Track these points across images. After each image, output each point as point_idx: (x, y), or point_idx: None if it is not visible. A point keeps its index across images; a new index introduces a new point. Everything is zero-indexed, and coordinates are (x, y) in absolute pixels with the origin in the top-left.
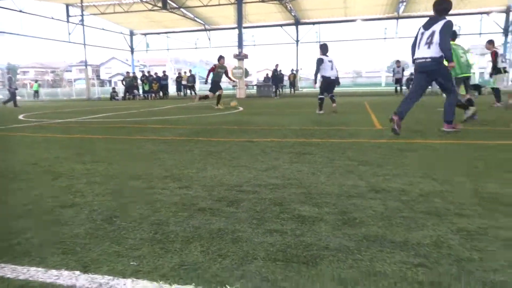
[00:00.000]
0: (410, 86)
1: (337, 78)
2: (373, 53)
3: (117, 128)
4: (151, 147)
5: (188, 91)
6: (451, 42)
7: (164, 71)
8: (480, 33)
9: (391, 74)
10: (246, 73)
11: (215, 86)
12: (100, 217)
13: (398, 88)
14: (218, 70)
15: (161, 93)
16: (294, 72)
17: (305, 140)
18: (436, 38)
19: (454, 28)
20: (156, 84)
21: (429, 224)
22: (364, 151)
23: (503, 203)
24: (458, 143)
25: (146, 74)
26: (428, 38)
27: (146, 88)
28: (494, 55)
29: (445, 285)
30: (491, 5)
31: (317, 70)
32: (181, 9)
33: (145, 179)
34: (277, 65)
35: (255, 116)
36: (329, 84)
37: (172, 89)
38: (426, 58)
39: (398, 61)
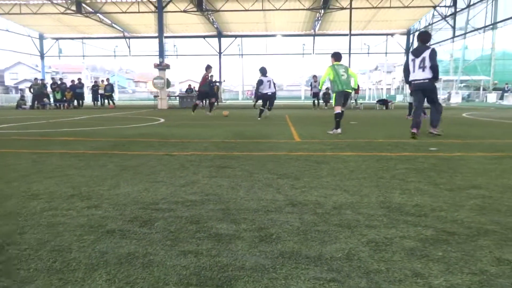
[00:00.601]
0: (326, 100)
1: (273, 94)
2: (293, 68)
3: (19, 141)
4: (58, 162)
5: (106, 101)
6: (335, 63)
7: (79, 79)
8: (386, 53)
9: (309, 88)
10: (168, 84)
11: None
12: None
13: (316, 101)
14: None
15: (75, 103)
16: (217, 83)
17: (226, 154)
18: (427, 62)
19: (364, 47)
20: (69, 93)
21: (341, 237)
22: (283, 164)
23: (408, 212)
24: (365, 154)
25: (58, 81)
26: (420, 63)
27: (58, 96)
28: None
29: None
30: (394, 27)
31: (257, 90)
32: (98, 14)
33: (46, 199)
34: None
35: (176, 128)
36: (267, 99)
37: (88, 98)
38: (424, 79)
39: (315, 76)
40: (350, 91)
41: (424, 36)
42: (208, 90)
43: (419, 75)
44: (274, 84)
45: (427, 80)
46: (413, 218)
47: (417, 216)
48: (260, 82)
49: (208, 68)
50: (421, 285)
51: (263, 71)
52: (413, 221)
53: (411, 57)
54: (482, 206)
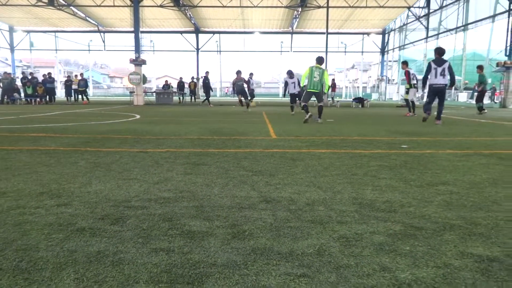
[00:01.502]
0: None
1: (299, 92)
2: (271, 65)
3: None
4: (27, 159)
5: (80, 96)
6: (316, 65)
7: (49, 73)
8: (362, 51)
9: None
10: (144, 80)
11: (242, 92)
12: None
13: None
14: (238, 84)
15: (47, 98)
16: (195, 80)
17: (202, 150)
18: (447, 71)
19: (341, 45)
20: (41, 88)
21: (313, 232)
22: (259, 160)
23: (378, 208)
24: (339, 152)
25: (28, 76)
26: (442, 72)
27: (30, 91)
28: (408, 74)
29: None
30: (370, 27)
31: (285, 90)
32: (71, 7)
33: (14, 197)
34: (207, 73)
35: (151, 124)
36: (295, 97)
37: (61, 93)
38: (443, 84)
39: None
40: (318, 91)
41: (441, 51)
42: (242, 88)
43: (440, 80)
44: (299, 84)
45: (444, 85)
46: (383, 214)
47: (387, 212)
48: (286, 84)
49: (238, 73)
50: (388, 279)
51: (290, 74)
52: (383, 216)
53: (433, 65)
54: (449, 202)
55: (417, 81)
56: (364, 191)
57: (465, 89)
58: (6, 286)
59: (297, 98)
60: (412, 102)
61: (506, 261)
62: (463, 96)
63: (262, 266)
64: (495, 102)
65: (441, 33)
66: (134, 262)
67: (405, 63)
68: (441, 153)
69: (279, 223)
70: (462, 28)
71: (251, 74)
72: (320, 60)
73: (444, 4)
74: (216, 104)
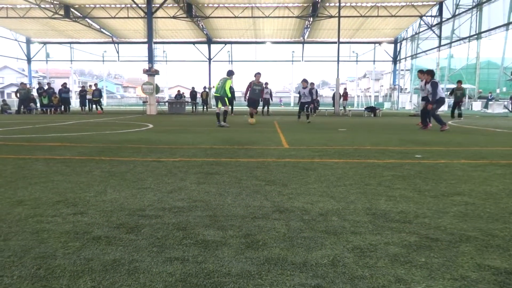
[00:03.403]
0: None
1: (309, 101)
2: (282, 74)
3: (4, 146)
4: (43, 168)
5: (94, 106)
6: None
7: (64, 83)
8: (374, 60)
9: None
10: (157, 89)
11: (254, 103)
12: None
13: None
14: (254, 88)
15: (62, 108)
16: (207, 90)
17: (214, 160)
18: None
19: (352, 54)
20: (56, 98)
21: (327, 243)
22: (271, 170)
23: (392, 219)
24: (352, 161)
25: (45, 86)
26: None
27: (45, 101)
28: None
29: None
30: (382, 36)
31: (299, 99)
32: (86, 19)
33: (31, 205)
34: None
35: (164, 134)
36: (302, 104)
37: (76, 103)
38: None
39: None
40: (218, 95)
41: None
42: (256, 98)
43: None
44: (310, 93)
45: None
46: (397, 225)
47: (402, 223)
48: (299, 93)
49: (256, 74)
50: None
51: (304, 81)
52: (398, 227)
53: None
54: (465, 213)
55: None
56: (378, 202)
57: (479, 98)
58: None
59: (305, 106)
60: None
61: None
62: (477, 105)
63: (276, 276)
64: (510, 111)
65: (454, 41)
66: (149, 271)
67: (429, 73)
68: (456, 163)
69: (292, 233)
70: (476, 36)
71: (266, 83)
72: (231, 72)
73: (457, 13)
74: (228, 113)
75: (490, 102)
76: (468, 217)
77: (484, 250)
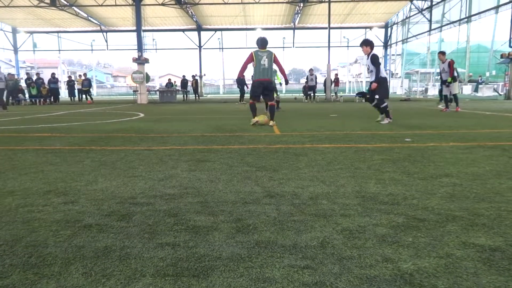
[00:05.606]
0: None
1: (314, 85)
2: None
3: None
4: (33, 158)
5: (84, 96)
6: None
7: (53, 73)
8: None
9: (305, 81)
10: (148, 78)
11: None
12: None
13: (312, 94)
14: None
15: (52, 98)
16: (197, 77)
17: (205, 147)
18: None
19: (343, 40)
20: (45, 88)
21: (317, 226)
22: (262, 156)
23: (381, 201)
24: (343, 146)
25: (34, 76)
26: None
27: (34, 92)
28: (452, 65)
29: (328, 284)
30: (372, 21)
31: (306, 83)
32: (73, 7)
33: (21, 195)
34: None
35: (155, 122)
36: (310, 87)
37: (65, 93)
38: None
39: (311, 70)
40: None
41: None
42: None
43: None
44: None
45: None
46: (386, 207)
47: (390, 205)
48: (307, 78)
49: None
50: (390, 269)
51: (310, 71)
52: (386, 209)
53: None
54: (452, 193)
55: (458, 74)
56: (368, 185)
57: (469, 81)
58: (17, 281)
59: (311, 91)
60: (455, 95)
61: (508, 251)
62: (467, 89)
63: (266, 258)
64: (500, 94)
65: (444, 25)
66: (140, 256)
67: (443, 53)
68: (445, 146)
69: (282, 217)
70: (466, 20)
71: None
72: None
73: None
74: (220, 101)
75: (480, 86)
76: (455, 197)
77: (470, 228)
